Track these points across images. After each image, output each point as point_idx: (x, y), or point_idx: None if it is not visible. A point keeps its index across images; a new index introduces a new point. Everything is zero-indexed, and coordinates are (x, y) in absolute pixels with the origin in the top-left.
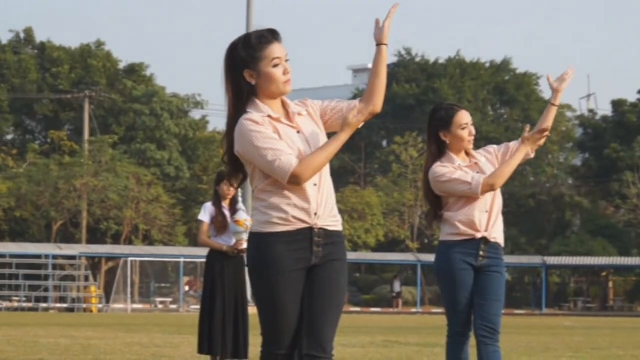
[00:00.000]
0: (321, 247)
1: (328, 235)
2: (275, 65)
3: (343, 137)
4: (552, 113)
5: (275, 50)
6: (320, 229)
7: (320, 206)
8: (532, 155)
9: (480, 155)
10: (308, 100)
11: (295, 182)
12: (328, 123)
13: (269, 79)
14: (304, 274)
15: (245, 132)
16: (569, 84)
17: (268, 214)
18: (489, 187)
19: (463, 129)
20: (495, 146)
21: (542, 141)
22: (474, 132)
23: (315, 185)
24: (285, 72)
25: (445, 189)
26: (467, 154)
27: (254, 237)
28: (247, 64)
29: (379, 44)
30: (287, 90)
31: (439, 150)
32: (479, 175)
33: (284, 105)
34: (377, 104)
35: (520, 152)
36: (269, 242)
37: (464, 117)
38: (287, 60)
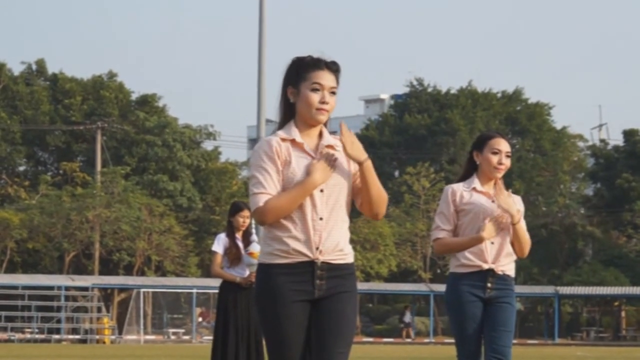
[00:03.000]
0: (325, 280)
1: (333, 268)
2: (314, 90)
3: (312, 182)
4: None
5: (322, 76)
6: (324, 262)
7: (325, 241)
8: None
9: (511, 195)
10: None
11: (258, 220)
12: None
13: (304, 100)
14: (307, 306)
15: (255, 153)
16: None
17: (271, 246)
18: (438, 249)
19: (494, 153)
20: (519, 199)
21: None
22: (505, 162)
23: (321, 219)
24: (322, 100)
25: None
26: (496, 182)
27: (259, 267)
28: (292, 81)
29: (360, 164)
30: (320, 119)
31: (468, 171)
32: (444, 232)
33: (320, 135)
34: (378, 212)
35: (474, 239)
36: (271, 274)
37: (499, 143)
38: (333, 93)
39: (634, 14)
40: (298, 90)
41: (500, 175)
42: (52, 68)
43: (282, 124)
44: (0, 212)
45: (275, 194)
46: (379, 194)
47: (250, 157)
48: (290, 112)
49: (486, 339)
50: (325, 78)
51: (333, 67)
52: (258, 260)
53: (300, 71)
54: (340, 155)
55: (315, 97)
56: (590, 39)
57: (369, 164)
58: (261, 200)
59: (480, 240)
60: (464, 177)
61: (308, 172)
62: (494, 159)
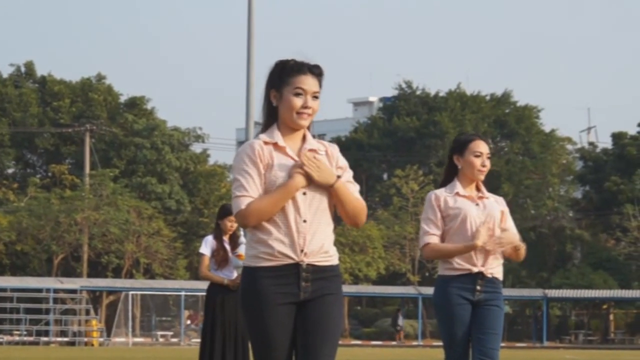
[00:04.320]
0: (310, 283)
1: (318, 270)
2: (297, 94)
3: (293, 186)
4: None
5: (304, 81)
6: (309, 264)
7: (309, 243)
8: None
9: (492, 197)
10: (333, 147)
11: (241, 222)
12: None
13: (286, 104)
14: (293, 308)
15: (237, 157)
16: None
17: (256, 249)
18: (427, 253)
19: (476, 156)
20: (506, 208)
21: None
22: (487, 164)
23: (305, 221)
24: (304, 105)
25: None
26: (478, 186)
27: (244, 270)
28: (275, 84)
29: (331, 186)
30: (300, 124)
31: (449, 175)
32: (434, 237)
33: (304, 138)
34: (357, 222)
35: (467, 247)
36: (256, 276)
37: (480, 146)
38: (315, 97)
39: (620, 18)
40: (281, 94)
41: (482, 177)
42: (41, 70)
43: (266, 127)
44: (5, 217)
45: (257, 197)
46: (354, 207)
47: (233, 161)
48: (273, 115)
49: (474, 341)
50: (308, 83)
51: (316, 71)
52: (243, 263)
53: (283, 75)
54: (323, 158)
55: (297, 102)
56: (578, 42)
57: (339, 185)
58: (243, 203)
59: (473, 247)
60: (445, 182)
61: (290, 174)
62: (477, 161)
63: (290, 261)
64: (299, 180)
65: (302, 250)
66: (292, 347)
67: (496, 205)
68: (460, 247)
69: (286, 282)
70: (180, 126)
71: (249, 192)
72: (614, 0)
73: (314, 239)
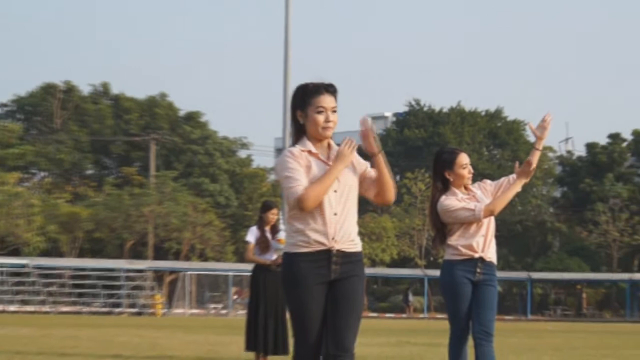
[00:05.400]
0: (339, 266)
1: (345, 255)
2: (319, 112)
3: (336, 168)
4: (537, 155)
5: (323, 100)
6: (338, 250)
7: (338, 232)
8: (519, 189)
9: (476, 189)
10: (356, 156)
11: (300, 206)
12: (362, 182)
13: (311, 121)
14: (325, 287)
15: (280, 161)
16: (549, 130)
17: (294, 237)
18: (489, 212)
19: (464, 168)
20: (489, 181)
21: (528, 179)
22: (472, 170)
23: (335, 214)
24: (326, 120)
25: (453, 218)
26: (466, 187)
27: (285, 256)
28: (299, 105)
29: (374, 156)
30: (326, 135)
31: (444, 186)
32: (480, 203)
33: (329, 147)
34: (387, 198)
35: (517, 184)
36: (295, 261)
37: (464, 159)
38: (334, 111)
39: (596, 42)
40: (306, 113)
41: (470, 182)
42: (114, 89)
43: (296, 140)
44: (72, 207)
45: (309, 184)
46: (389, 180)
47: (275, 166)
48: (302, 130)
49: (474, 315)
50: (327, 101)
51: (331, 90)
52: (283, 250)
53: (306, 97)
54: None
55: (320, 118)
56: (559, 66)
57: (383, 155)
58: (299, 189)
59: (521, 183)
60: (445, 190)
61: (334, 160)
62: (465, 172)
63: (323, 248)
64: (340, 165)
65: (332, 239)
66: (324, 318)
67: (483, 191)
68: (517, 181)
69: (319, 265)
70: (229, 135)
71: (301, 181)
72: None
73: (342, 229)
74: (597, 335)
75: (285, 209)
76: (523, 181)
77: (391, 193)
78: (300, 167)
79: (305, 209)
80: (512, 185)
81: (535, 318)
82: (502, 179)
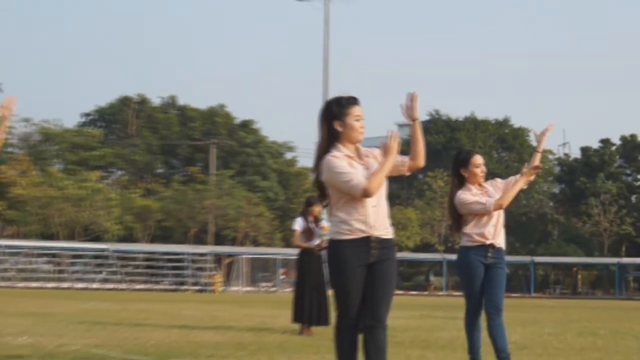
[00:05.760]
0: (376, 250)
1: (382, 242)
2: (357, 120)
3: (389, 160)
4: (538, 157)
5: (358, 110)
6: (376, 237)
7: (377, 221)
8: (525, 186)
9: (489, 186)
10: (375, 150)
11: (366, 194)
12: (392, 170)
13: (351, 128)
14: (364, 269)
15: (330, 164)
16: (547, 137)
17: (338, 226)
18: (499, 206)
19: (477, 167)
20: (500, 179)
21: (533, 176)
22: (485, 170)
23: (373, 206)
24: (361, 127)
25: (467, 209)
26: (480, 184)
27: (330, 242)
28: (337, 116)
29: (413, 120)
30: (361, 139)
31: (460, 183)
32: (491, 198)
33: (358, 149)
34: (420, 161)
35: (520, 182)
36: (339, 246)
37: (478, 159)
38: (363, 119)
39: (590, 60)
40: (344, 122)
41: (483, 180)
42: (181, 101)
43: (329, 146)
44: (145, 201)
45: (368, 175)
46: (422, 146)
47: (324, 172)
48: (336, 138)
49: (486, 293)
50: (359, 110)
51: (359, 101)
52: (328, 238)
53: (342, 109)
54: (373, 161)
55: (358, 125)
56: (558, 80)
57: (419, 122)
58: (362, 181)
59: (524, 181)
60: (461, 186)
61: (385, 154)
62: (478, 171)
63: (364, 235)
64: (392, 158)
65: (372, 227)
66: (363, 294)
67: (494, 187)
68: (521, 179)
69: (360, 250)
70: (277, 140)
71: (356, 174)
72: (586, 51)
73: (379, 219)
74: (591, 310)
75: (331, 201)
76: (525, 180)
77: (422, 157)
78: (347, 165)
79: (369, 196)
80: (516, 183)
81: (538, 296)
82: (510, 177)
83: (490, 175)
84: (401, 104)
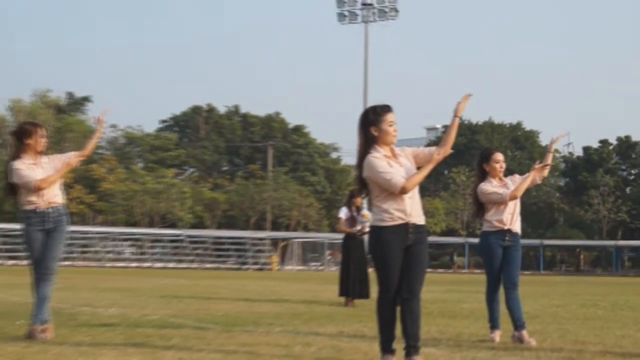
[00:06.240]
0: (413, 235)
1: (417, 227)
2: (390, 125)
3: (430, 167)
4: (550, 156)
5: (391, 116)
6: (412, 224)
7: (413, 210)
8: (539, 181)
9: (508, 180)
10: (406, 148)
11: (403, 192)
12: (416, 161)
13: (386, 133)
14: (402, 251)
15: (372, 163)
16: (559, 141)
17: (381, 215)
18: (513, 197)
19: (497, 162)
20: (518, 175)
21: (546, 172)
22: (504, 166)
23: (410, 198)
24: (394, 132)
25: (487, 199)
26: (500, 178)
27: (373, 228)
28: (373, 123)
29: (455, 116)
30: (394, 142)
31: (482, 176)
32: (507, 190)
33: (392, 150)
34: (447, 148)
35: (530, 176)
36: (381, 232)
37: (499, 156)
38: (395, 124)
39: (591, 67)
40: (379, 128)
41: (502, 174)
42: (243, 109)
43: (368, 148)
44: (213, 194)
45: (407, 176)
46: (453, 138)
47: (366, 170)
48: (374, 141)
49: (504, 271)
50: (393, 117)
51: (392, 109)
52: (371, 224)
53: (377, 116)
54: (406, 159)
55: (391, 130)
56: (565, 88)
57: (458, 119)
58: (400, 180)
59: (533, 176)
60: (483, 178)
61: (429, 162)
62: (498, 166)
63: (402, 222)
64: (433, 165)
65: (409, 215)
66: (400, 272)
67: (513, 181)
68: (531, 174)
69: (399, 234)
70: (325, 142)
71: (396, 174)
72: (587, 59)
73: (414, 208)
74: (592, 285)
75: (373, 195)
76: (536, 174)
77: (449, 146)
78: (387, 166)
79: (405, 193)
80: (527, 178)
81: (546, 273)
82: (527, 174)
83: (507, 172)
84: (458, 100)
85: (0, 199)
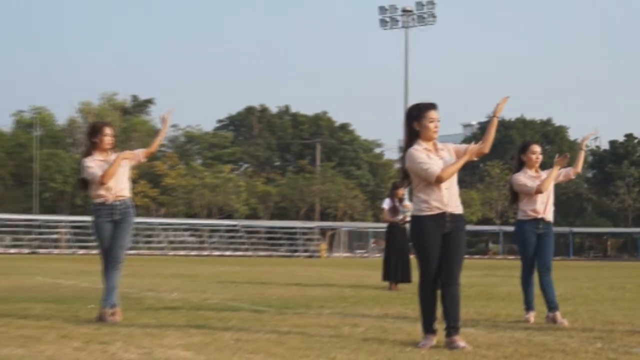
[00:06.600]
0: (450, 223)
1: (454, 216)
2: (431, 122)
3: (465, 159)
4: (582, 154)
5: (432, 114)
6: (450, 213)
7: (449, 200)
8: (573, 177)
9: (544, 172)
10: (449, 144)
11: (438, 181)
12: (457, 156)
13: (427, 128)
14: (441, 237)
15: (412, 155)
16: (590, 139)
17: (420, 205)
18: (539, 190)
19: (533, 154)
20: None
21: (579, 168)
22: (540, 158)
23: (446, 189)
24: (435, 127)
25: (518, 189)
26: (536, 169)
27: (413, 218)
28: (416, 118)
29: (494, 117)
30: (435, 137)
31: (519, 166)
32: (536, 182)
33: (434, 144)
34: (486, 148)
35: (555, 171)
36: (421, 221)
37: (535, 148)
38: (438, 121)
39: (619, 65)
40: (421, 123)
41: (538, 165)
42: (293, 109)
43: (411, 141)
44: (265, 187)
45: (442, 166)
46: (492, 137)
47: (407, 162)
48: (417, 135)
49: (538, 257)
50: (434, 114)
51: (436, 106)
52: (412, 214)
53: (420, 112)
54: (447, 153)
55: (431, 126)
56: (591, 85)
57: (497, 119)
58: (436, 170)
59: (556, 172)
60: (519, 169)
61: (464, 155)
62: (534, 157)
63: (440, 211)
64: (468, 158)
65: (446, 205)
66: (439, 258)
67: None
68: (553, 170)
69: (438, 223)
70: (368, 138)
71: (433, 165)
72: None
73: (451, 198)
74: (618, 269)
75: (413, 185)
76: (557, 170)
77: (488, 145)
78: (426, 157)
79: (440, 183)
80: (551, 173)
81: (575, 258)
82: (550, 169)
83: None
84: (497, 101)
85: (72, 193)
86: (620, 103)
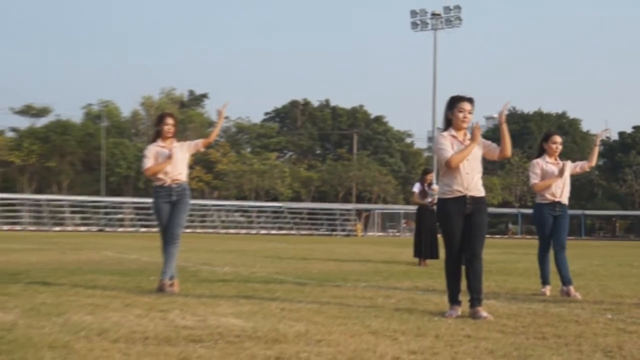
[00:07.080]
0: (471, 205)
1: (475, 199)
2: (460, 112)
3: (472, 145)
4: (596, 150)
5: (463, 105)
6: (470, 196)
7: (470, 184)
8: (588, 169)
9: (566, 161)
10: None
11: (448, 165)
12: (484, 151)
13: (456, 118)
14: (462, 218)
15: (437, 139)
16: (602, 137)
17: (444, 189)
18: (535, 189)
19: (554, 143)
20: (570, 162)
21: (594, 162)
22: (561, 148)
23: (467, 174)
24: (464, 118)
25: (530, 174)
26: (555, 158)
27: (438, 200)
28: (449, 108)
29: (501, 125)
30: (464, 127)
31: (540, 153)
32: (538, 180)
33: (465, 134)
34: (506, 153)
35: (553, 179)
36: (445, 203)
37: (556, 138)
38: (470, 113)
39: (627, 63)
40: (453, 112)
41: (557, 154)
42: (333, 102)
43: (445, 128)
44: (308, 173)
45: (455, 153)
46: (508, 142)
47: (434, 141)
48: (450, 124)
49: (554, 236)
50: (466, 105)
51: (469, 99)
52: (437, 197)
53: (453, 103)
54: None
55: (460, 116)
56: (602, 81)
57: (506, 127)
58: (449, 154)
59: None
60: (539, 156)
61: (471, 140)
62: (554, 147)
63: (460, 194)
64: (474, 144)
65: (466, 188)
66: (463, 236)
67: (569, 166)
68: (549, 181)
69: (459, 205)
70: (400, 129)
71: (449, 150)
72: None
73: (472, 182)
74: (627, 249)
75: (440, 171)
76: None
77: (507, 150)
78: (448, 143)
79: (450, 167)
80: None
81: (587, 239)
82: (577, 162)
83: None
84: (499, 110)
85: (135, 178)
86: (629, 97)
